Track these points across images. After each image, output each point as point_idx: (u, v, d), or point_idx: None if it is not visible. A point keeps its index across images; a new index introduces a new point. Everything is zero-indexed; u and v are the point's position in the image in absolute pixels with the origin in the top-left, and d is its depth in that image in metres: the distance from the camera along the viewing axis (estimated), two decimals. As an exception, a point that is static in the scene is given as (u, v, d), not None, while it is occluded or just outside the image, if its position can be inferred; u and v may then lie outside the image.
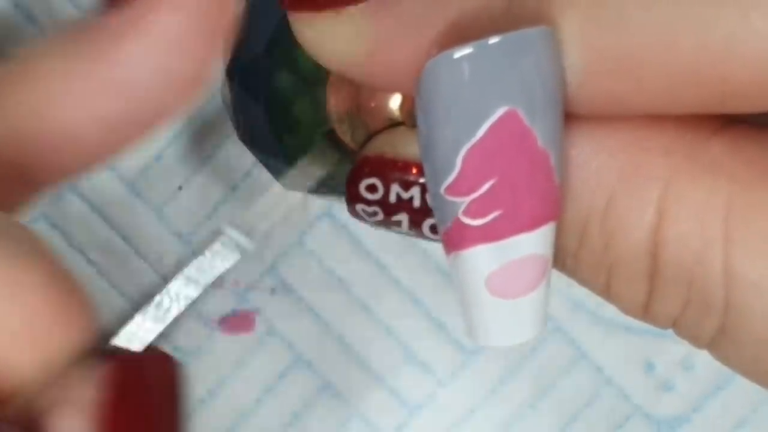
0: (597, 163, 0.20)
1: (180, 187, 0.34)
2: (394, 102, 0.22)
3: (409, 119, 0.22)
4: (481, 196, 0.19)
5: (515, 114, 0.18)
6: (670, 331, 0.32)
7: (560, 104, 0.19)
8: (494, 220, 0.19)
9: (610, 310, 0.33)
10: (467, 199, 0.19)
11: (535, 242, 0.19)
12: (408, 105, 0.22)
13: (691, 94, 0.18)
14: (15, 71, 0.22)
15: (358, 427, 0.34)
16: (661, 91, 0.19)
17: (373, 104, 0.23)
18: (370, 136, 0.22)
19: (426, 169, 0.19)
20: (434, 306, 0.34)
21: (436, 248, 0.33)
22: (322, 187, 0.25)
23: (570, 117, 0.19)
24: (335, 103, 0.24)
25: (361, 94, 0.23)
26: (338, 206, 0.34)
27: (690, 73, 0.18)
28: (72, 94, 0.21)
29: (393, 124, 0.22)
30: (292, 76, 0.26)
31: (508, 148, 0.18)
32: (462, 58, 0.18)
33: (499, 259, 0.19)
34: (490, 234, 0.19)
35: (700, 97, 0.18)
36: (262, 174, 0.32)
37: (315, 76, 0.25)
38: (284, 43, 0.26)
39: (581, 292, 0.33)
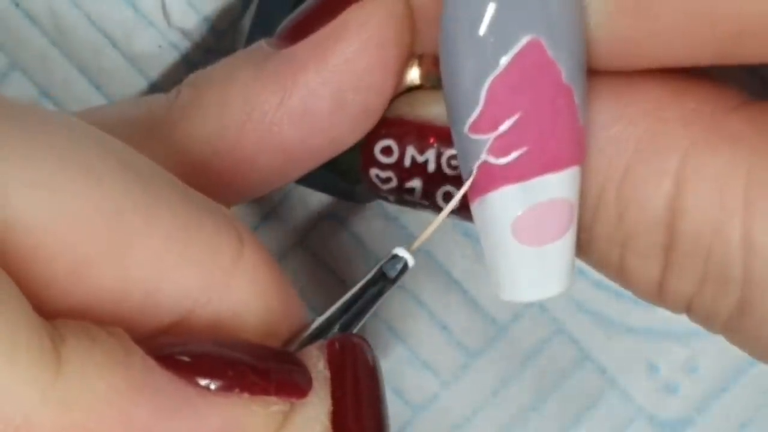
0: (615, 131, 0.20)
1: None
2: (413, 71, 0.22)
3: (427, 80, 0.22)
4: (506, 133, 0.19)
5: (539, 44, 0.18)
6: (673, 332, 0.32)
7: (582, 43, 0.19)
8: (519, 158, 0.19)
9: (613, 312, 0.33)
10: (492, 136, 0.19)
11: (561, 185, 0.19)
12: (427, 66, 0.22)
13: (709, 34, 0.18)
14: (199, 96, 0.23)
15: (360, 428, 0.33)
16: (679, 31, 0.18)
17: None
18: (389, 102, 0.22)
19: (450, 108, 0.19)
20: (437, 307, 0.33)
21: (438, 249, 0.33)
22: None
23: (590, 82, 0.19)
24: None
25: None
26: (340, 206, 0.34)
27: (706, 8, 0.18)
28: (255, 122, 0.22)
29: (411, 89, 0.22)
30: None
31: (532, 81, 0.18)
32: None
33: (524, 201, 0.19)
34: (516, 173, 0.19)
35: (718, 38, 0.18)
36: (299, 198, 0.32)
37: None
38: None
39: (584, 293, 0.33)
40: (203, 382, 0.19)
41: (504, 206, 0.19)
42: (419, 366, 0.33)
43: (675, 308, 0.21)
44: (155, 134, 0.22)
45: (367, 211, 0.32)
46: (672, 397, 0.33)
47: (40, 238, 0.18)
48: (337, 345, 0.21)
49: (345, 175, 0.24)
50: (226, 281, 0.20)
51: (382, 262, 0.22)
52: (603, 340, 0.33)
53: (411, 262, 0.22)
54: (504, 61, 0.18)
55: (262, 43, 0.23)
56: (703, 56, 0.19)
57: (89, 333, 0.18)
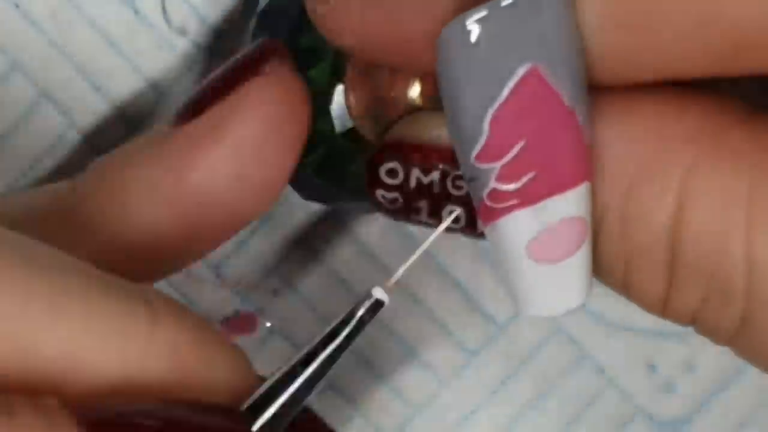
0: (618, 149, 0.20)
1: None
2: (414, 90, 0.22)
3: (429, 103, 0.22)
4: (512, 160, 0.19)
5: (537, 72, 0.18)
6: (672, 332, 0.32)
7: (582, 63, 0.19)
8: (528, 182, 0.19)
9: (612, 311, 0.33)
10: (498, 165, 0.19)
11: (571, 203, 0.19)
12: (428, 88, 0.22)
13: (705, 46, 0.18)
14: (101, 180, 0.23)
15: (360, 426, 0.34)
16: (676, 44, 0.18)
17: (392, 94, 0.23)
18: (392, 124, 0.22)
19: (454, 139, 0.19)
20: (436, 306, 0.33)
21: (438, 249, 0.33)
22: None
23: (591, 100, 0.19)
24: (355, 100, 0.24)
25: (380, 86, 0.23)
26: (340, 206, 0.33)
27: (703, 20, 0.18)
28: (156, 201, 0.22)
29: (413, 110, 0.22)
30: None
31: (534, 108, 0.18)
32: (477, 21, 0.18)
33: (536, 223, 0.19)
34: (526, 198, 0.19)
35: (714, 49, 0.18)
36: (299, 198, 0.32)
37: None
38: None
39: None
40: None
41: (517, 230, 0.19)
42: (418, 365, 0.34)
43: (680, 322, 0.22)
44: (61, 222, 0.22)
45: (368, 212, 0.32)
46: (671, 397, 0.33)
47: None
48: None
49: (355, 193, 0.24)
50: (142, 356, 0.20)
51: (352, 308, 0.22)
52: (602, 339, 0.33)
53: (386, 300, 0.22)
54: (505, 91, 0.18)
55: (161, 126, 0.23)
56: (703, 68, 0.19)
57: (8, 407, 0.18)
